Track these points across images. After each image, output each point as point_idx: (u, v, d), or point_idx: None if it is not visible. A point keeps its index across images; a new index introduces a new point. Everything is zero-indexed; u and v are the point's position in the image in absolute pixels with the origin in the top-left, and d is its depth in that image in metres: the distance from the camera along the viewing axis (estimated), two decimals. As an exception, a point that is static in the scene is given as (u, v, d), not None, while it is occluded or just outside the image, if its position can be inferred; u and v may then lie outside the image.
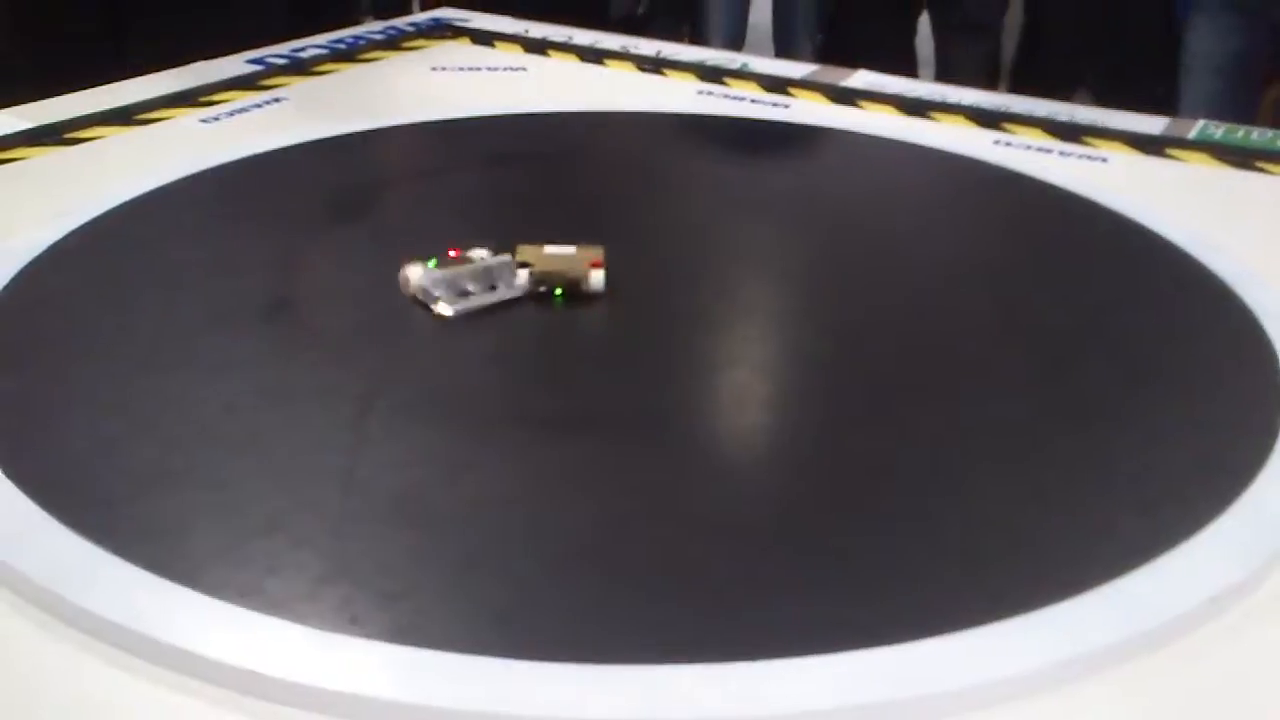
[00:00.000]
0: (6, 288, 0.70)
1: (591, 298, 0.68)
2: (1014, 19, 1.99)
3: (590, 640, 0.44)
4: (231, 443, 0.56)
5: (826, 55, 1.73)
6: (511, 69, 1.15)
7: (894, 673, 0.43)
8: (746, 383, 0.65)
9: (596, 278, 0.69)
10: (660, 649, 0.44)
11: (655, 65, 1.15)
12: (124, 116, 0.98)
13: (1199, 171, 0.91)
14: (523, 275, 0.68)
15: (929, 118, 1.01)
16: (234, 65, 1.11)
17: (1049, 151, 0.94)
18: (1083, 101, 1.10)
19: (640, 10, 2.18)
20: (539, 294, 0.68)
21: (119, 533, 0.49)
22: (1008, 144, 0.95)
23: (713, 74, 1.12)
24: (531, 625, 0.45)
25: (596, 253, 0.70)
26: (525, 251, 0.70)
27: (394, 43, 1.21)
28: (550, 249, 0.70)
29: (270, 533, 0.50)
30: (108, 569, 0.47)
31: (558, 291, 0.68)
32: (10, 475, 0.53)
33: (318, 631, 0.45)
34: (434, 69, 1.15)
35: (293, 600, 0.46)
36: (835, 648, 0.43)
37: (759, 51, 1.73)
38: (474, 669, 0.43)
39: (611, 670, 0.43)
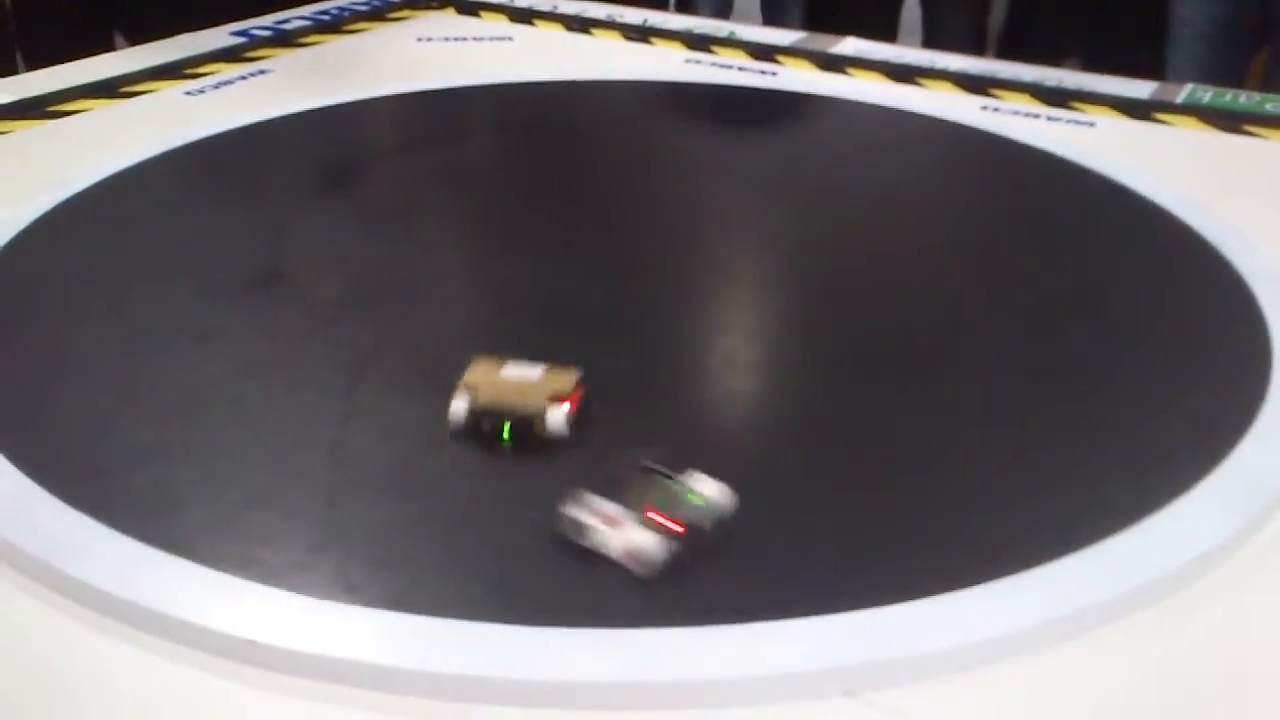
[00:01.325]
0: (-6, 261, 0.70)
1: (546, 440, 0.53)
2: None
3: (582, 605, 0.45)
4: (223, 415, 0.56)
5: (813, 22, 1.72)
6: (497, 38, 1.15)
7: (884, 633, 0.43)
8: (734, 349, 0.65)
9: (555, 418, 0.52)
10: (652, 612, 0.44)
11: (642, 34, 1.14)
12: (108, 90, 0.97)
13: (1187, 135, 0.91)
14: (458, 406, 0.53)
15: (917, 84, 1.01)
16: (218, 38, 1.10)
17: (1037, 116, 0.94)
18: (1071, 68, 1.09)
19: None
20: (480, 432, 0.53)
21: (114, 505, 0.49)
22: (995, 109, 0.95)
23: (700, 42, 1.11)
24: (524, 591, 0.45)
25: (566, 379, 0.54)
26: (475, 372, 0.54)
27: (379, 13, 1.20)
28: (510, 369, 0.54)
29: (264, 503, 0.50)
30: (103, 541, 0.48)
31: (504, 432, 0.53)
32: (3, 450, 0.53)
33: (313, 600, 0.45)
34: (419, 39, 1.15)
35: (287, 569, 0.46)
36: (823, 610, 0.44)
37: (747, 19, 1.73)
38: (468, 634, 0.43)
39: (603, 634, 0.43)
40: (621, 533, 0.45)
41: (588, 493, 0.47)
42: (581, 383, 0.54)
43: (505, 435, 0.53)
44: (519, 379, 0.54)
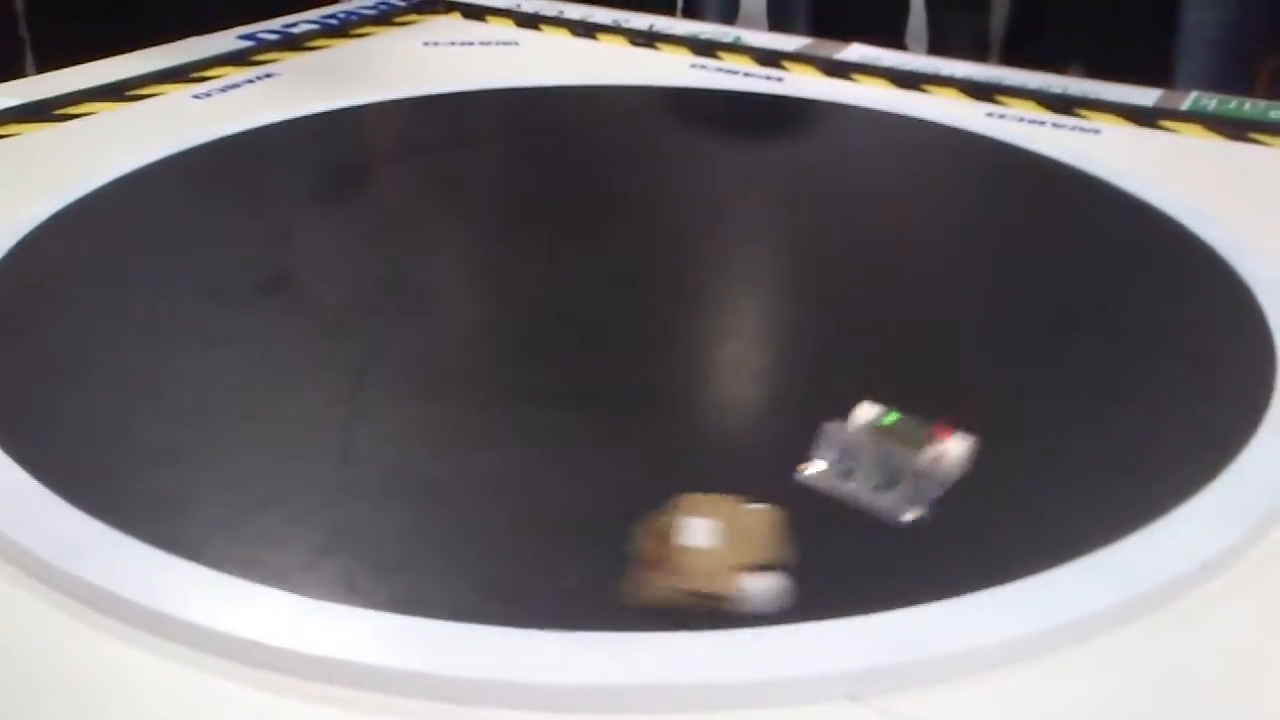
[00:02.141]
0: (1, 264, 0.70)
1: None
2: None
3: (585, 609, 0.45)
4: (229, 417, 0.57)
5: (819, 28, 1.72)
6: (503, 43, 1.15)
7: (890, 638, 0.43)
8: (739, 355, 0.65)
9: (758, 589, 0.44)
10: (656, 617, 0.44)
11: (648, 39, 1.14)
12: (116, 92, 0.97)
13: (1192, 143, 0.91)
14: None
15: (922, 90, 1.01)
16: (226, 41, 1.10)
17: (1042, 124, 0.94)
18: (1075, 75, 1.09)
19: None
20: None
21: (120, 507, 0.49)
22: (1001, 116, 0.95)
23: (706, 47, 1.11)
24: (527, 594, 0.46)
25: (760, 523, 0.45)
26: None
27: (385, 17, 1.21)
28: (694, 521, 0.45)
29: (269, 506, 0.50)
30: (109, 543, 0.48)
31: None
32: (11, 452, 0.53)
33: (317, 602, 0.45)
34: (425, 43, 1.15)
35: (292, 571, 0.46)
36: (827, 615, 0.44)
37: (753, 25, 1.73)
38: (472, 637, 0.43)
39: (607, 638, 0.43)
40: (916, 450, 0.50)
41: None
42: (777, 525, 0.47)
43: None
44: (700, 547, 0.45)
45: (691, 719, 0.41)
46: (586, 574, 0.46)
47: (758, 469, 0.54)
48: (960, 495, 0.52)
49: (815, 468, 0.50)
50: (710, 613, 0.44)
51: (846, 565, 0.47)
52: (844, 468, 0.50)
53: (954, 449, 0.50)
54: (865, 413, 0.52)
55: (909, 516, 0.48)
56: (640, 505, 0.50)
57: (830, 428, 0.51)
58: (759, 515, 0.47)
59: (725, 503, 0.47)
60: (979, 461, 0.54)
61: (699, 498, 0.47)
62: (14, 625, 0.46)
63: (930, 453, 0.50)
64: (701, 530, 0.45)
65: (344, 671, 0.43)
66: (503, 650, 0.43)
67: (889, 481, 0.49)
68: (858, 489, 0.49)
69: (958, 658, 0.43)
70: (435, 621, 0.44)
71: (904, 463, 0.49)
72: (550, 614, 0.44)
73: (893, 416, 0.52)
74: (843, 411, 0.58)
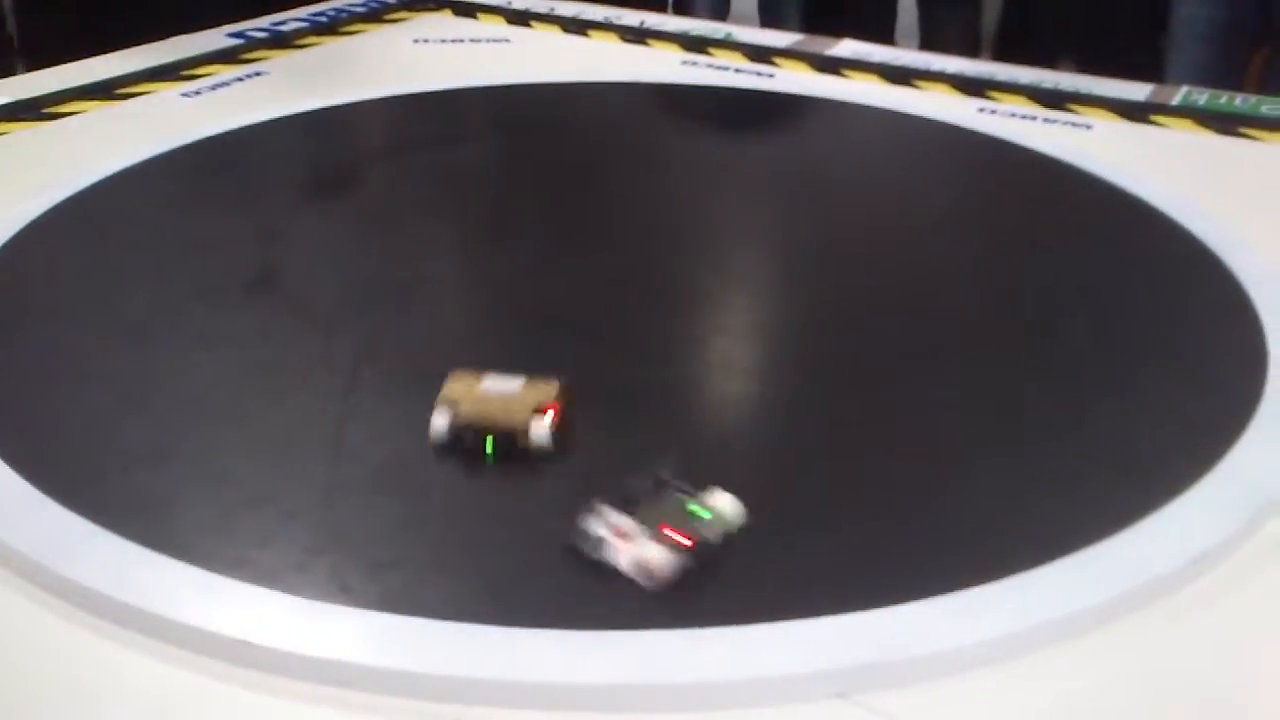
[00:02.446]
0: (-11, 264, 0.70)
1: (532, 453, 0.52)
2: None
3: (576, 607, 0.45)
4: (220, 416, 0.56)
5: (810, 24, 1.72)
6: (494, 40, 1.15)
7: (879, 636, 0.43)
8: (729, 352, 0.65)
9: (539, 431, 0.52)
10: (645, 615, 0.44)
11: (639, 35, 1.14)
12: (105, 91, 0.97)
13: (1183, 138, 0.92)
14: (439, 422, 0.52)
15: (913, 86, 1.01)
16: (214, 39, 1.10)
17: (1033, 119, 0.94)
18: (1066, 70, 1.09)
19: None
20: (463, 447, 0.52)
21: (110, 507, 0.49)
22: (992, 111, 0.95)
23: (697, 44, 1.11)
24: (519, 593, 0.45)
25: (547, 390, 0.53)
26: (454, 386, 0.53)
27: (375, 15, 1.20)
28: (489, 382, 0.53)
29: (260, 504, 0.50)
30: (99, 543, 0.48)
31: (488, 447, 0.52)
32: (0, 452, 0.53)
33: (308, 601, 0.45)
34: (416, 41, 1.15)
35: (283, 571, 0.46)
36: (815, 612, 0.44)
37: (744, 22, 1.73)
38: (463, 636, 0.43)
39: (596, 636, 0.43)
40: (632, 546, 0.45)
41: (604, 505, 0.47)
42: (564, 391, 0.53)
43: (489, 451, 0.52)
44: (499, 392, 0.53)
45: (678, 717, 0.41)
46: (577, 573, 0.46)
47: (748, 467, 0.54)
48: (947, 492, 0.52)
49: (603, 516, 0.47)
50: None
51: (834, 563, 0.47)
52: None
53: (640, 548, 0.45)
54: (713, 498, 0.48)
55: (570, 540, 0.46)
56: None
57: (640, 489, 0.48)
58: (543, 380, 0.54)
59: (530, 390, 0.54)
60: (969, 456, 0.54)
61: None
62: (1, 625, 0.45)
63: (625, 524, 0.46)
64: (499, 381, 0.53)
65: (335, 671, 0.42)
66: (494, 649, 0.43)
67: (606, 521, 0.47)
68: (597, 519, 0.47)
69: (947, 655, 0.43)
70: (427, 620, 0.44)
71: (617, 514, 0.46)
72: (539, 613, 0.44)
73: (699, 511, 0.47)
74: (828, 411, 0.58)
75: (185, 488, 0.51)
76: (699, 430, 0.58)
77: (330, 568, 0.47)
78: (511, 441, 0.52)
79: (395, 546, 0.48)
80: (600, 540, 0.46)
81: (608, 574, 0.45)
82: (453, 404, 0.52)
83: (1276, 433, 0.55)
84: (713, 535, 0.46)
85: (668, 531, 0.46)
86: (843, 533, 0.49)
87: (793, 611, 0.44)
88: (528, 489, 0.51)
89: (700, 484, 0.49)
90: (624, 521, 0.46)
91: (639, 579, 0.45)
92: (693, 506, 0.47)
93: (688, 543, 0.46)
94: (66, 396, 0.58)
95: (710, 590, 0.45)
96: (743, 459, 0.55)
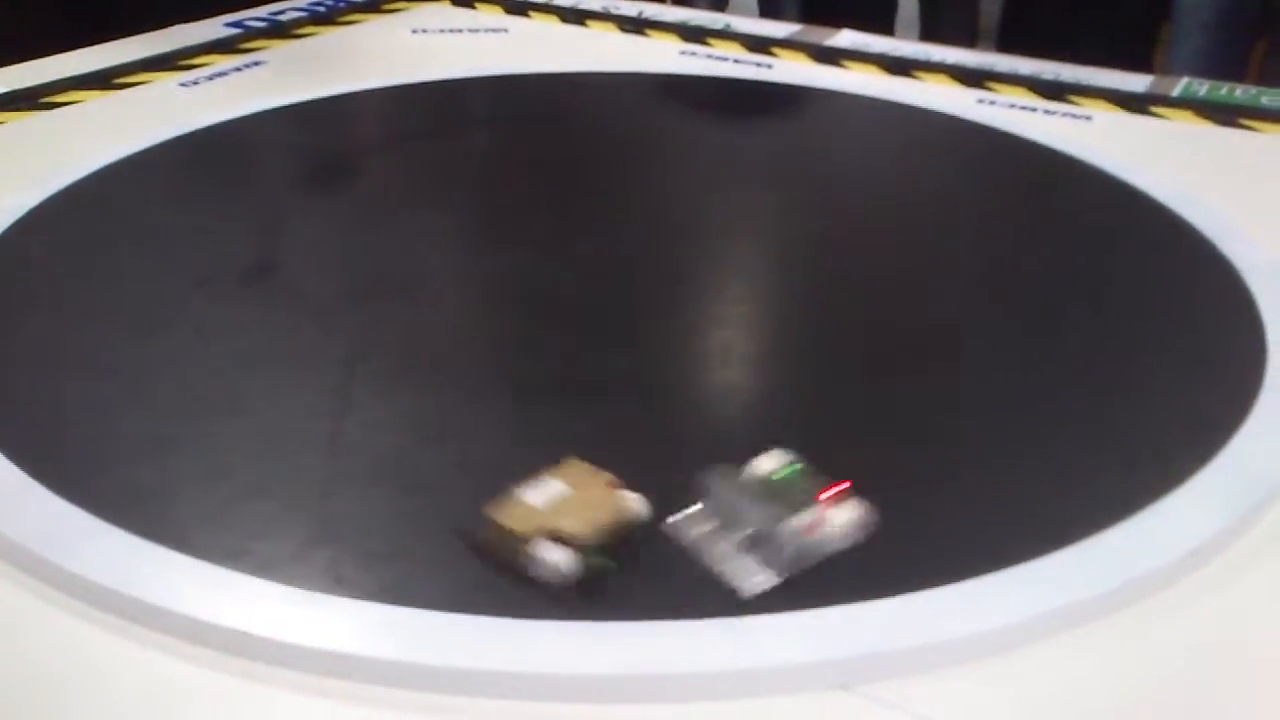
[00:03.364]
0: (-14, 254, 0.69)
1: None
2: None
3: (578, 598, 0.44)
4: (218, 407, 0.56)
5: (809, 14, 1.72)
6: (492, 30, 1.15)
7: (879, 627, 0.43)
8: (733, 342, 0.65)
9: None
10: (646, 605, 0.44)
11: (637, 26, 1.14)
12: (102, 80, 0.97)
13: (1183, 129, 0.91)
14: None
15: (913, 77, 1.01)
16: (212, 29, 1.10)
17: (1033, 110, 0.94)
18: (1067, 61, 1.09)
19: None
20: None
21: (107, 498, 0.49)
22: (991, 103, 0.95)
23: (695, 34, 1.11)
24: (517, 584, 0.45)
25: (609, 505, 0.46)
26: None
27: (374, 5, 1.20)
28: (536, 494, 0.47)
29: (258, 496, 0.50)
30: (96, 534, 0.47)
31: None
32: (-5, 441, 0.53)
33: (305, 592, 0.45)
34: (414, 31, 1.15)
35: (281, 562, 0.46)
36: (818, 603, 0.44)
37: (743, 12, 1.72)
38: (461, 627, 0.43)
39: (598, 627, 0.43)
40: (823, 520, 0.45)
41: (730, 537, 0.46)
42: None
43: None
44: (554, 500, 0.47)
45: (681, 708, 0.41)
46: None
47: (750, 457, 0.54)
48: (947, 483, 0.51)
49: (686, 516, 0.46)
50: (514, 568, 0.44)
51: (835, 553, 0.47)
52: (711, 524, 0.46)
53: (835, 518, 0.45)
54: (763, 464, 0.48)
55: (754, 585, 0.44)
56: (635, 491, 0.49)
57: (713, 478, 0.47)
58: (610, 498, 0.46)
59: (594, 477, 0.47)
60: (967, 448, 0.54)
61: (579, 465, 0.48)
62: (-1, 617, 0.45)
63: (805, 519, 0.45)
64: (545, 489, 0.47)
65: (333, 662, 0.42)
66: (492, 640, 0.43)
67: (752, 544, 0.45)
68: (714, 550, 0.45)
69: (949, 645, 0.43)
70: (424, 611, 0.44)
71: (773, 527, 0.45)
72: (539, 604, 0.44)
73: (788, 470, 0.47)
74: (828, 403, 0.58)
75: (183, 479, 0.51)
76: (701, 421, 0.57)
77: (328, 559, 0.46)
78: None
79: (392, 538, 0.48)
80: (749, 513, 0.45)
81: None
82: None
83: (1276, 423, 0.55)
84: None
85: (824, 496, 0.45)
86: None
87: (795, 602, 0.44)
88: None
89: (703, 464, 0.48)
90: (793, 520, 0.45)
91: (802, 544, 0.44)
92: (778, 475, 0.46)
93: (845, 484, 0.46)
94: (64, 387, 0.58)
95: (712, 581, 0.45)
96: (744, 450, 0.55)
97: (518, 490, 0.46)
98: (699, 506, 0.47)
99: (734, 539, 0.46)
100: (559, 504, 0.46)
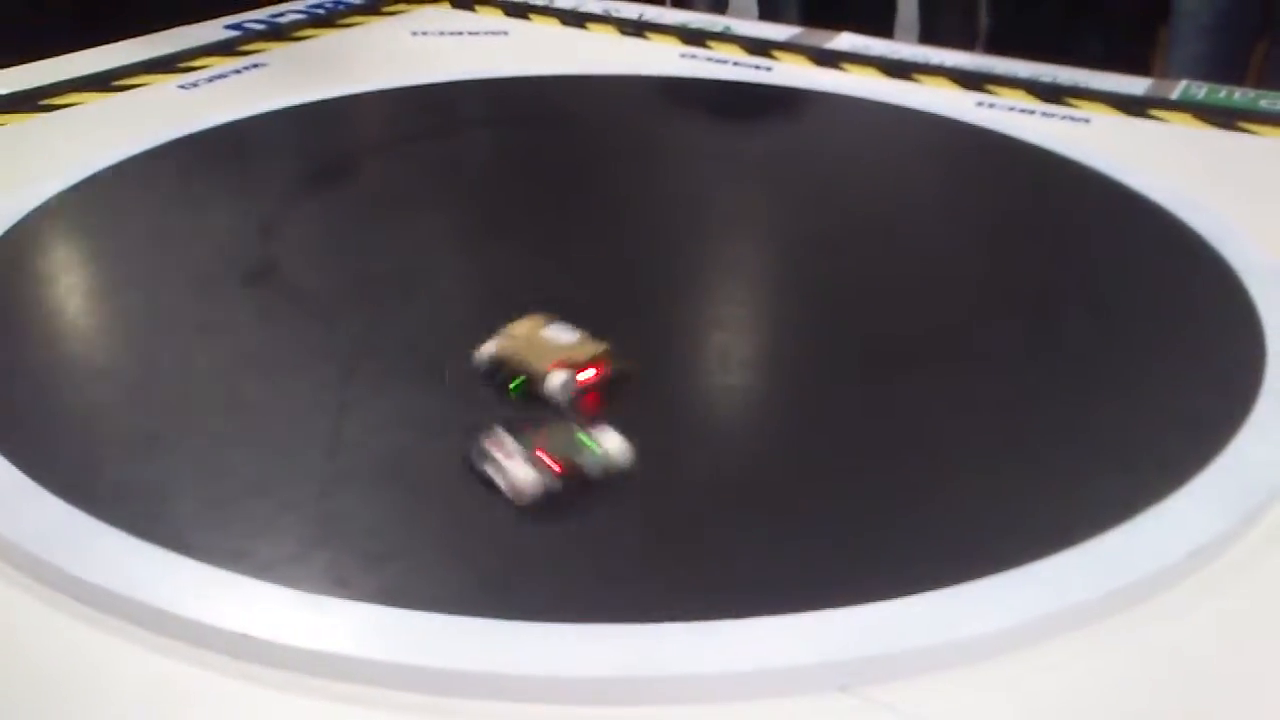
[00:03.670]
0: (-14, 255, 0.69)
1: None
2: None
3: (576, 600, 0.44)
4: (217, 407, 0.56)
5: (809, 17, 1.72)
6: (492, 33, 1.15)
7: (879, 629, 0.43)
8: (729, 344, 0.65)
9: (553, 382, 0.54)
10: (647, 607, 0.44)
11: (637, 28, 1.14)
12: (102, 82, 0.97)
13: (1182, 132, 0.92)
14: (485, 350, 0.57)
15: (912, 80, 1.01)
16: (212, 31, 1.10)
17: (1031, 113, 0.94)
18: (1065, 64, 1.09)
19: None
20: (496, 380, 0.55)
21: (106, 498, 0.49)
22: (990, 105, 0.95)
23: (696, 37, 1.11)
24: (518, 585, 0.45)
25: (588, 350, 0.56)
26: (519, 324, 0.58)
27: (374, 7, 1.20)
28: (552, 330, 0.57)
29: (257, 496, 0.50)
30: (95, 534, 0.47)
31: (513, 383, 0.55)
32: (-6, 442, 0.53)
33: (306, 594, 0.45)
34: (414, 33, 1.15)
35: (281, 563, 0.46)
36: (818, 605, 0.44)
37: (742, 15, 1.72)
38: (462, 629, 0.43)
39: (598, 629, 0.43)
40: (508, 464, 0.48)
41: (500, 427, 0.49)
42: (605, 357, 0.55)
43: (513, 388, 0.55)
44: (549, 340, 0.56)
45: (681, 710, 0.41)
46: (576, 565, 0.46)
47: (749, 457, 0.54)
48: (947, 485, 0.52)
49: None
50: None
51: (836, 555, 0.47)
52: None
53: (515, 469, 0.48)
54: (601, 436, 0.51)
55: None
56: (628, 495, 0.50)
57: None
58: (595, 342, 0.55)
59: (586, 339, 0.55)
60: (967, 450, 0.54)
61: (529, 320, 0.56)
62: (-2, 618, 0.45)
63: (510, 445, 0.49)
64: (559, 331, 0.56)
65: (333, 664, 0.42)
66: (492, 642, 0.43)
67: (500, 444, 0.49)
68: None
69: (948, 648, 0.43)
70: (425, 613, 0.44)
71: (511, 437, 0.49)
72: (539, 606, 0.44)
73: (585, 441, 0.50)
74: (826, 405, 0.58)
75: (182, 479, 0.51)
76: (698, 419, 0.57)
77: (328, 560, 0.46)
78: (536, 387, 0.54)
79: (393, 539, 0.48)
80: (485, 455, 0.48)
81: (598, 560, 0.46)
82: (505, 339, 0.55)
83: (1275, 425, 0.55)
84: (593, 469, 0.48)
85: (540, 454, 0.48)
86: (844, 526, 0.49)
87: (794, 604, 0.44)
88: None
89: (705, 463, 0.49)
90: (508, 441, 0.49)
91: (509, 496, 0.48)
92: (581, 436, 0.49)
93: (556, 469, 0.48)
94: (64, 388, 0.58)
95: (712, 582, 0.45)
96: (745, 449, 0.55)
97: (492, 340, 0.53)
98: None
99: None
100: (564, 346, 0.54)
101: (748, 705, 0.41)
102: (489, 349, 0.56)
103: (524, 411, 0.53)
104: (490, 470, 0.49)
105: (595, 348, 0.56)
